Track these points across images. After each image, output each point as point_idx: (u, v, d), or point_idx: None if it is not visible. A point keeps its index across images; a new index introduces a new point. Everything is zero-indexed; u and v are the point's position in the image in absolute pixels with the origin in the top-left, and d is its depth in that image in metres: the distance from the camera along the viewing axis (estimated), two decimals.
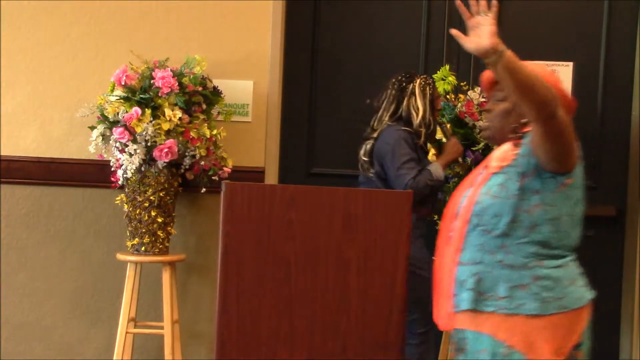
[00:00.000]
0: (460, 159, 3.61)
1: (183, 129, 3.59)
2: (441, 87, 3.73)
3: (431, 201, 3.55)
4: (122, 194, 3.72)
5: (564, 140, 2.20)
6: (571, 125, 2.24)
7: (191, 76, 3.65)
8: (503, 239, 2.26)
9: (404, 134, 3.48)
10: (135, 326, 3.83)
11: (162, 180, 3.65)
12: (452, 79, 3.73)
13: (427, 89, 3.54)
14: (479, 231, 2.30)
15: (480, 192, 2.33)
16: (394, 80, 3.60)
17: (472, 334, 2.29)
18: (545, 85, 2.11)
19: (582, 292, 2.32)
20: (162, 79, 3.57)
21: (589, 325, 2.35)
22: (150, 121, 3.53)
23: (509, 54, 2.07)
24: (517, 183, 2.27)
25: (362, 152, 3.60)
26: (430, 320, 3.45)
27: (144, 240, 3.66)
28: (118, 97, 3.60)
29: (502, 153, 2.39)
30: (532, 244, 2.26)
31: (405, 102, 3.53)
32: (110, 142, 3.63)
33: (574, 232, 2.34)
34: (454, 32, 2.12)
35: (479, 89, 3.79)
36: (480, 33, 2.05)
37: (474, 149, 3.69)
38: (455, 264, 2.33)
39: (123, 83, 3.61)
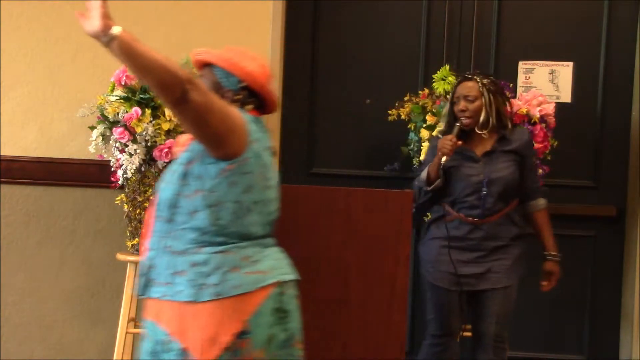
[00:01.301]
0: (444, 158, 3.23)
1: (183, 129, 3.58)
2: (441, 87, 3.71)
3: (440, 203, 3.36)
4: (122, 194, 3.71)
5: (204, 125, 2.16)
6: (223, 110, 2.19)
7: None
8: (170, 225, 2.25)
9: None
10: (135, 326, 3.82)
11: None
12: (452, 79, 3.71)
13: (456, 88, 3.36)
14: (156, 217, 2.30)
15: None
16: None
17: (146, 322, 2.29)
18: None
19: (246, 279, 2.22)
20: None
21: (265, 313, 2.23)
22: (150, 121, 3.53)
23: (125, 37, 2.06)
24: (183, 168, 2.26)
25: None
26: (446, 323, 3.42)
27: None
28: (118, 97, 3.60)
29: (184, 139, 2.39)
30: (191, 230, 2.23)
31: None
32: (110, 142, 3.62)
33: (247, 219, 2.26)
34: (77, 13, 2.11)
35: None
36: (92, 16, 2.08)
37: None
38: (145, 251, 2.32)
39: (123, 83, 3.60)
